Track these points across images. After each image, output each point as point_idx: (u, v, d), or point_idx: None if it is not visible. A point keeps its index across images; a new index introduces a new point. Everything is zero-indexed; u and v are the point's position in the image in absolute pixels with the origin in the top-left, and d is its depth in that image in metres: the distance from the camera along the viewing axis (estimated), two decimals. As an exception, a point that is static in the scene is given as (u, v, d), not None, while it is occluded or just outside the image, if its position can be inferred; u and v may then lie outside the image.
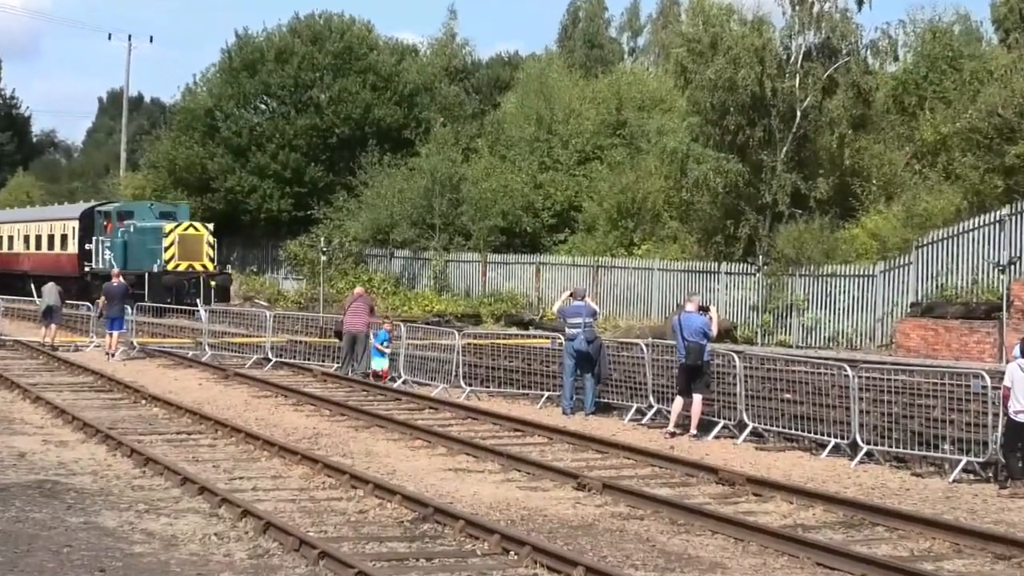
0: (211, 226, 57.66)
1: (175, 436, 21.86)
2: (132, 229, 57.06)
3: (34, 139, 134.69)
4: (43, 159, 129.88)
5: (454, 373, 28.73)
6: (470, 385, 28.49)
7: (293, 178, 68.08)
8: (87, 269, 59.41)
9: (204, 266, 55.47)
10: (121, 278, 37.90)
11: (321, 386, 29.90)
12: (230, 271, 63.20)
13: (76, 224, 62.39)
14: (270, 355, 34.39)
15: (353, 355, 31.55)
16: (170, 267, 54.73)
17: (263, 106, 74.38)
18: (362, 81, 70.31)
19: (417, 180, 61.04)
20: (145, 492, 16.79)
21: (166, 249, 54.85)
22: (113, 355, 35.60)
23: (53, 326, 38.46)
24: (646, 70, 76.32)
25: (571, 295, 27.02)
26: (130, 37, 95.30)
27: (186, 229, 56.12)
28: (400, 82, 71.72)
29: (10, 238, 71.83)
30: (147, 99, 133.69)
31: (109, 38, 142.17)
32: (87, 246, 60.16)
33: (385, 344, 31.44)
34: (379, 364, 31.22)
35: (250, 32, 75.29)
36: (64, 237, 64.12)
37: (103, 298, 36.90)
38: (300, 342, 36.13)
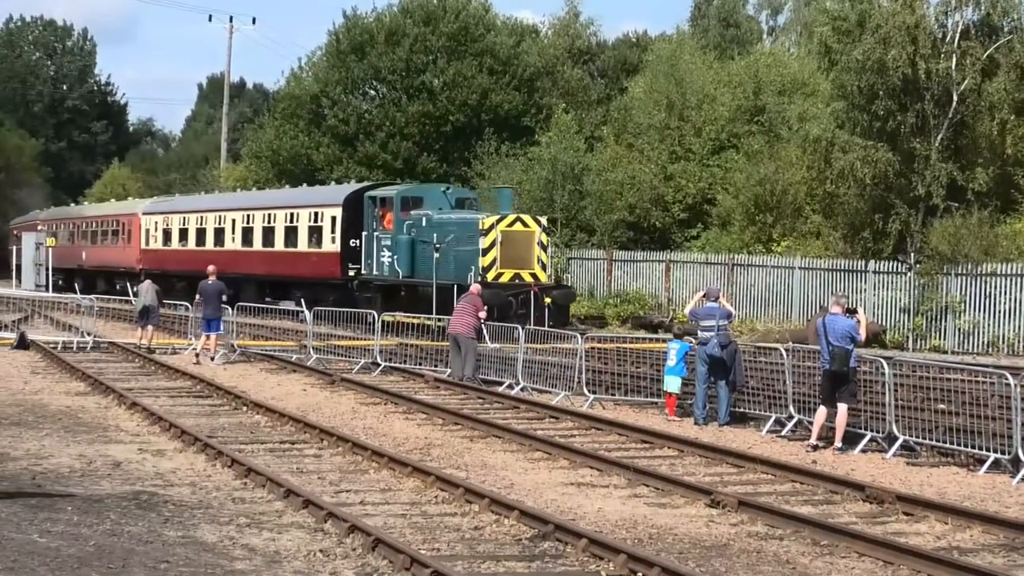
0: (544, 220, 45.67)
1: (278, 445, 22.06)
2: (425, 222, 45.61)
3: (130, 128, 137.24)
4: (139, 149, 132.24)
5: (576, 380, 28.69)
6: (594, 393, 28.45)
7: (404, 169, 68.60)
8: (352, 273, 49.15)
9: (535, 275, 43.07)
10: (216, 276, 37.98)
11: (433, 393, 30.00)
12: (569, 283, 51.51)
13: (338, 213, 50.53)
14: (379, 359, 34.58)
15: (461, 360, 31.58)
16: (490, 277, 42.29)
17: (372, 92, 75.16)
18: (478, 64, 70.66)
19: (537, 171, 61.22)
20: (246, 505, 16.96)
21: (485, 251, 42.60)
22: (212, 358, 36.03)
23: (150, 327, 38.97)
24: (787, 51, 75.80)
25: (704, 296, 26.92)
26: (231, 19, 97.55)
27: (511, 223, 43.24)
28: (519, 65, 71.99)
29: (218, 231, 60.60)
30: (249, 85, 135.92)
31: (209, 20, 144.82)
32: (352, 243, 49.41)
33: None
34: (674, 385, 26.93)
35: (359, 12, 76.51)
36: (316, 231, 52.22)
37: (199, 297, 37.29)
38: (411, 345, 36.31)
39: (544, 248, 43.88)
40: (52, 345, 38.47)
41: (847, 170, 46.53)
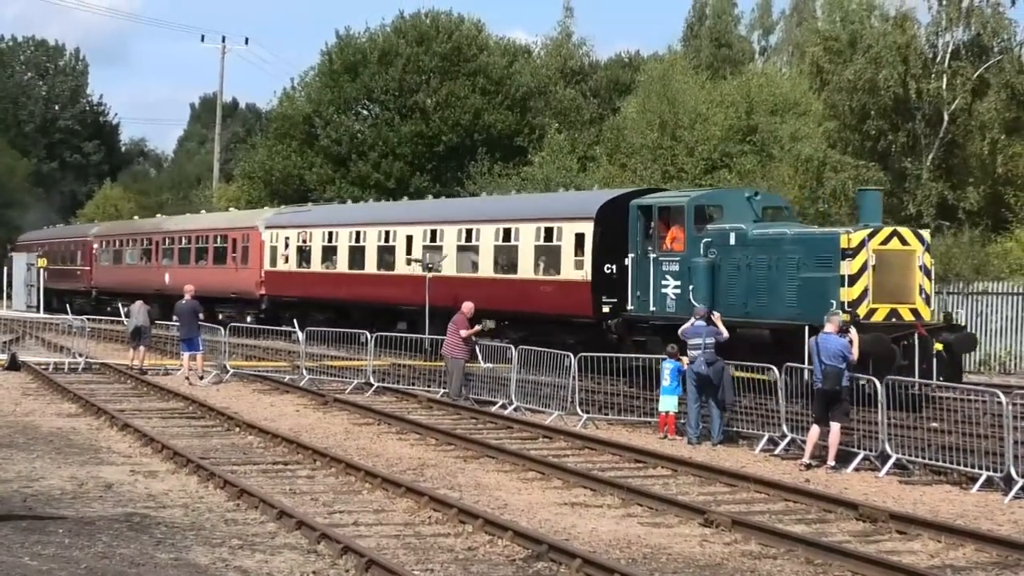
0: (926, 234, 32.16)
1: (271, 466, 22.03)
2: (735, 239, 32.37)
3: (123, 148, 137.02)
4: (132, 169, 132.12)
5: (570, 399, 28.67)
6: (587, 412, 28.42)
7: (397, 189, 68.62)
8: (608, 310, 35.78)
9: (916, 311, 30.08)
10: (191, 295, 37.70)
11: (427, 413, 29.96)
12: (963, 322, 36.08)
13: (588, 229, 37.17)
14: (372, 380, 34.55)
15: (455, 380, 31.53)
16: (860, 314, 29.06)
17: (365, 112, 75.21)
18: (471, 84, 70.78)
19: (530, 191, 61.18)
20: (239, 526, 16.93)
21: (852, 280, 29.33)
22: (201, 377, 36.00)
23: (142, 348, 38.89)
24: (779, 71, 76.02)
25: (693, 315, 27.02)
26: (224, 39, 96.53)
27: (886, 240, 29.90)
28: (512, 85, 72.10)
29: (384, 250, 47.02)
30: (242, 105, 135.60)
31: (202, 40, 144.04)
32: (607, 268, 36.20)
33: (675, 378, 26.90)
34: (668, 405, 26.85)
35: (352, 32, 76.37)
36: (550, 252, 38.88)
37: (175, 317, 37.12)
38: (404, 366, 36.26)
39: (928, 275, 30.73)
40: (43, 366, 38.42)
41: (839, 189, 46.59)
